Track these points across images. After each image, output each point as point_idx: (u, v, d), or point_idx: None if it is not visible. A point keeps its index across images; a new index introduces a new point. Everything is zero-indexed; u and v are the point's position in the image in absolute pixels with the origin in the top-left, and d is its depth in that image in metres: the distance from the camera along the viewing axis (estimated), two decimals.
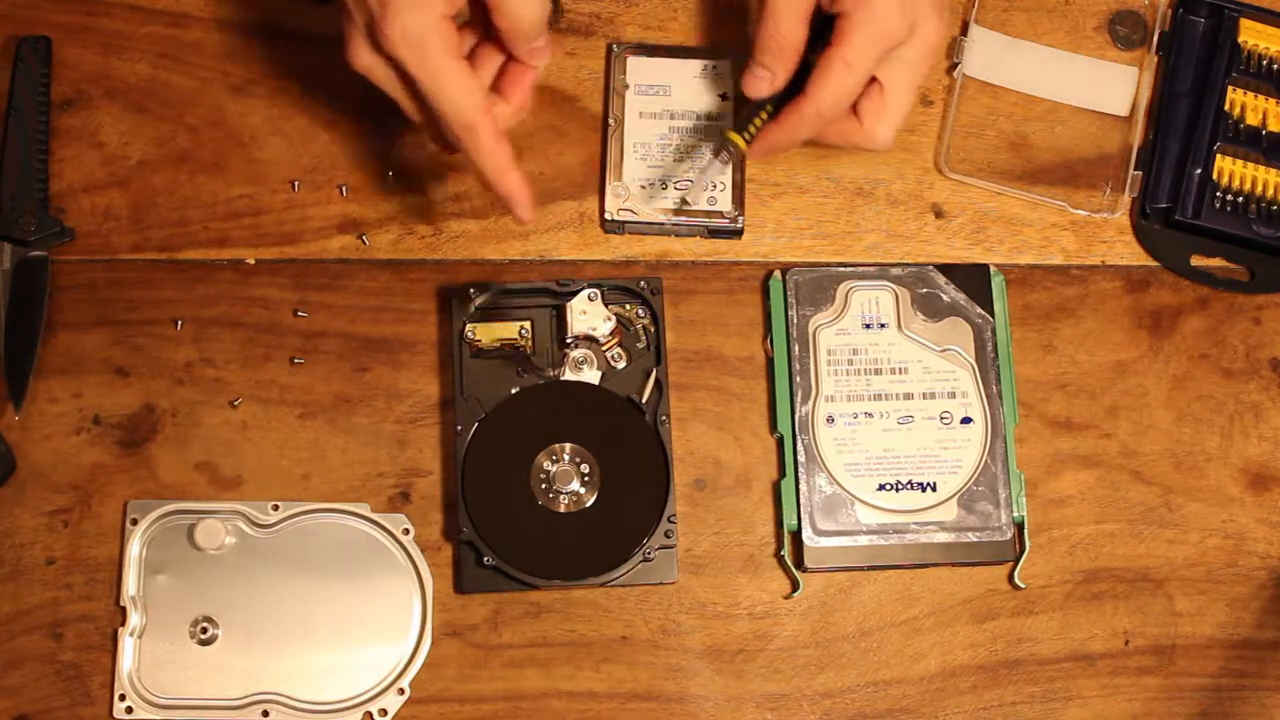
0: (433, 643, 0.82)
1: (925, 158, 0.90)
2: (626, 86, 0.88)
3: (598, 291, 0.85)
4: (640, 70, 0.89)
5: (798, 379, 0.85)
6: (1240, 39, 0.91)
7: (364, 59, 0.76)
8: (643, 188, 0.87)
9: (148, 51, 0.89)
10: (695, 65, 0.89)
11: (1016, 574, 0.84)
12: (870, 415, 0.85)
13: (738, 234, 0.87)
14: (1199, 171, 0.89)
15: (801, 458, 0.84)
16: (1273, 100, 0.90)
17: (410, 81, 0.76)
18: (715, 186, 0.87)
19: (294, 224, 0.87)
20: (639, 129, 0.88)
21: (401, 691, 0.81)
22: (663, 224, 0.87)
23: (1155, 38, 0.92)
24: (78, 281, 0.86)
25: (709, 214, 0.87)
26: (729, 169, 0.87)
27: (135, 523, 0.82)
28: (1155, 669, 0.84)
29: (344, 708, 0.81)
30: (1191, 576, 0.86)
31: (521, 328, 0.85)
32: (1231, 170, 0.89)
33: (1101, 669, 0.84)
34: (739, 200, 0.87)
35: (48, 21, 0.89)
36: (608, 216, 0.87)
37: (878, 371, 0.86)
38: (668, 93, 0.89)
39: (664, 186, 0.87)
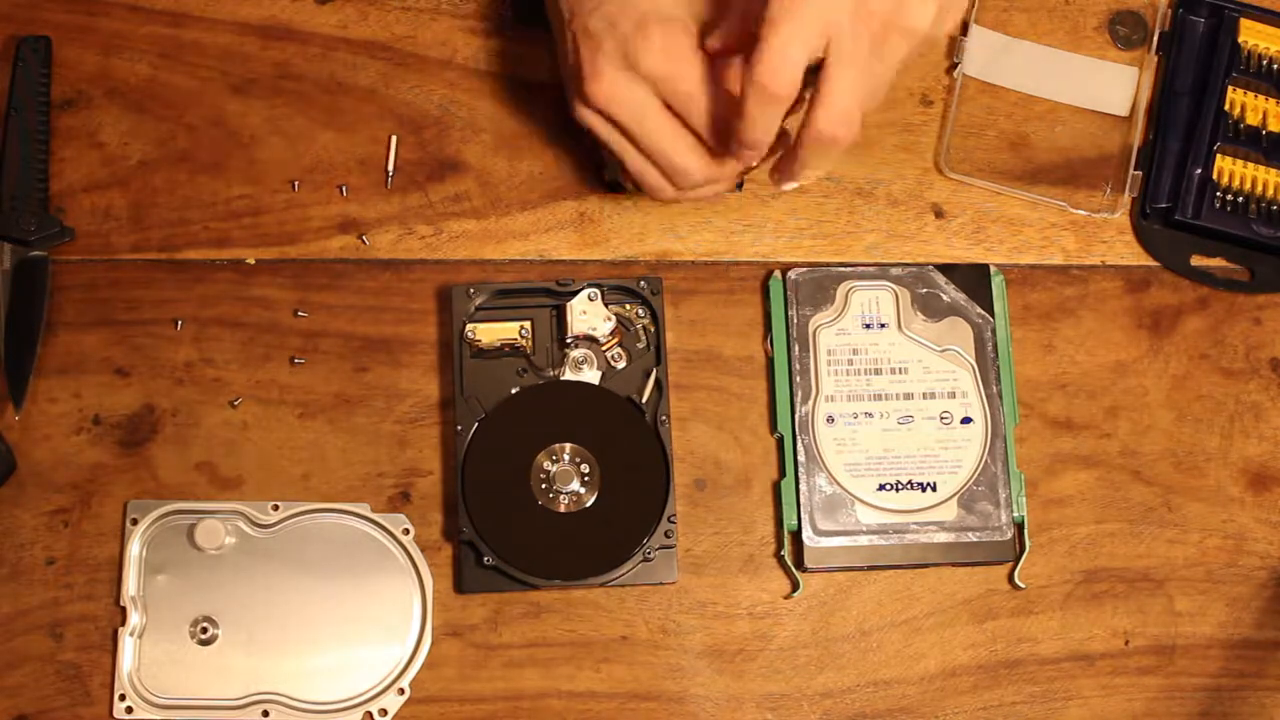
0: (433, 643, 0.82)
1: (925, 158, 0.90)
2: None
3: (598, 291, 0.85)
4: None
5: (798, 379, 0.85)
6: (1240, 39, 0.91)
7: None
8: None
9: (148, 51, 0.89)
10: None
11: (1016, 574, 0.84)
12: (870, 415, 0.85)
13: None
14: (1199, 171, 0.89)
15: (801, 458, 0.84)
16: (1273, 100, 0.90)
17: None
18: None
19: (294, 224, 0.87)
20: None
21: (401, 691, 0.81)
22: None
23: (1155, 38, 0.92)
24: (78, 281, 0.86)
25: None
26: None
27: (135, 523, 0.82)
28: (1155, 669, 0.84)
29: (344, 708, 0.81)
30: (1191, 576, 0.86)
31: (521, 328, 0.85)
32: (1231, 170, 0.89)
33: (1101, 669, 0.84)
34: None
35: (48, 21, 0.89)
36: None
37: (878, 371, 0.86)
38: None
39: None
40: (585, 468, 0.83)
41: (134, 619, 0.81)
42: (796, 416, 0.85)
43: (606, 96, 0.76)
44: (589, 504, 0.83)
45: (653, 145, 0.77)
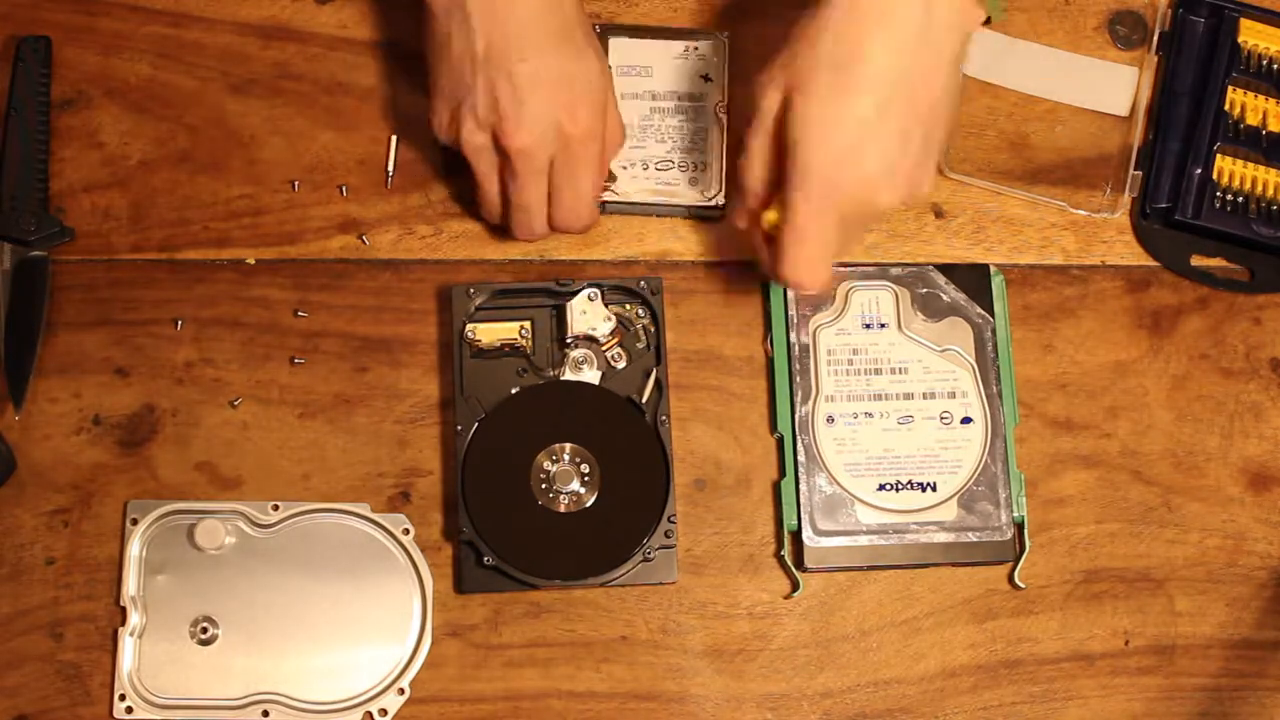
0: (433, 643, 0.82)
1: None
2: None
3: (598, 291, 0.85)
4: (622, 51, 0.89)
5: (798, 379, 0.85)
6: (1240, 39, 0.91)
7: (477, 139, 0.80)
8: (624, 168, 0.87)
9: (148, 51, 0.89)
10: (677, 46, 0.89)
11: (1016, 574, 0.84)
12: (870, 415, 0.85)
13: (720, 217, 0.87)
14: (1199, 171, 0.89)
15: (801, 458, 0.84)
16: (1273, 100, 0.90)
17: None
18: (697, 168, 0.87)
19: (294, 224, 0.87)
20: (621, 110, 0.87)
21: (401, 691, 0.81)
22: (644, 205, 0.87)
23: (1155, 38, 0.92)
24: (78, 281, 0.86)
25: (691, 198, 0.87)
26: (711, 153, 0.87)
27: (135, 523, 0.82)
28: (1155, 669, 0.84)
29: (344, 708, 0.81)
30: (1191, 576, 0.86)
31: (521, 328, 0.85)
32: (1231, 170, 0.89)
33: (1101, 669, 0.84)
34: (721, 182, 0.87)
35: (48, 21, 0.89)
36: None
37: (878, 371, 0.86)
38: (649, 74, 0.89)
39: (645, 167, 0.87)
40: (585, 468, 0.83)
41: (134, 619, 0.81)
42: (796, 416, 0.85)
43: (526, 146, 0.79)
44: (589, 504, 0.83)
45: (530, 197, 0.82)
